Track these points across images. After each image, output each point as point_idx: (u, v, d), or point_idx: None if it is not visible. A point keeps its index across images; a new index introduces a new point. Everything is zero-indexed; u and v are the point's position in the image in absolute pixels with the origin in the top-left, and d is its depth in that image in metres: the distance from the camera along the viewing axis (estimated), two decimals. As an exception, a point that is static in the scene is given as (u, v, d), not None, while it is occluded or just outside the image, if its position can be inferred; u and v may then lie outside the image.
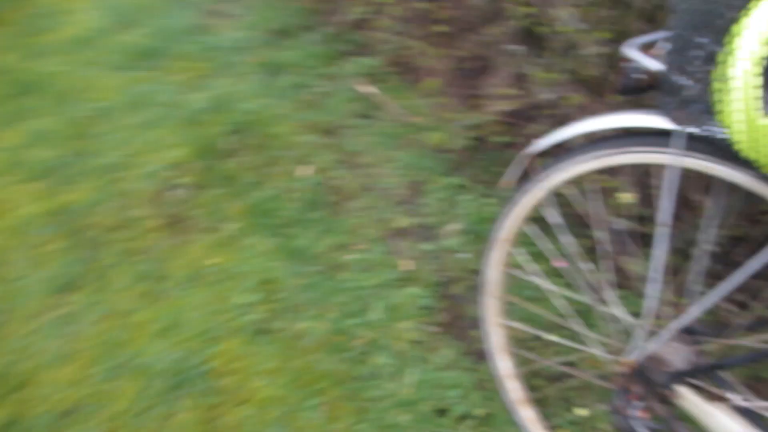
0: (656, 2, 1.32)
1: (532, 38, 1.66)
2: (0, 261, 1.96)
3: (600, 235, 1.22)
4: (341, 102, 2.53)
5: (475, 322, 1.65)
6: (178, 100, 2.63)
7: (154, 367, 1.61)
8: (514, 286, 1.43)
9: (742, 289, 1.00)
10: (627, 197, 1.28)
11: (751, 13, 0.66)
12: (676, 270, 1.03)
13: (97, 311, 1.77)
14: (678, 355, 0.98)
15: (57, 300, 1.82)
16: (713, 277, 1.00)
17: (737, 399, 0.92)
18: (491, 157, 2.07)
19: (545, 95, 1.62)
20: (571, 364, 1.43)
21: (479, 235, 1.92)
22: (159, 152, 2.36)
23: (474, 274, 1.81)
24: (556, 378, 1.49)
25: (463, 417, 1.47)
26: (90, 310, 1.78)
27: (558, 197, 1.19)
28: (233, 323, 1.73)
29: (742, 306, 1.05)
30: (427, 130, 2.26)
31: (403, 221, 2.02)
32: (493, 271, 1.35)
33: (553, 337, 1.38)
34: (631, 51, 0.92)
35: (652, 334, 1.00)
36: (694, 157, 0.87)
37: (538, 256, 1.45)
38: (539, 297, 1.52)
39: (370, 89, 2.53)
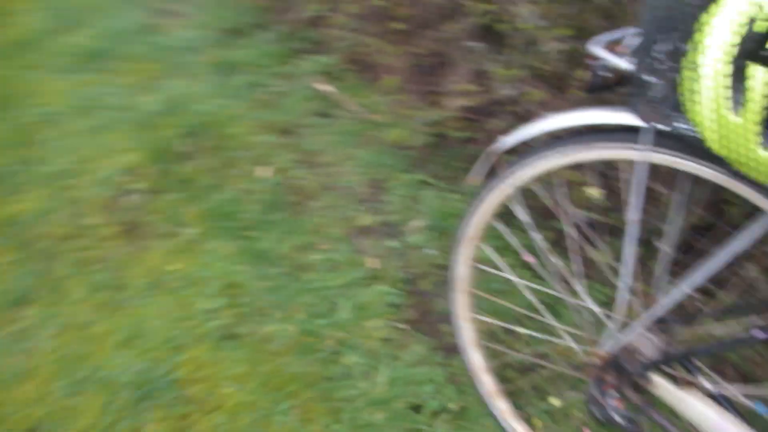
0: (614, -2, 1.35)
1: (492, 35, 1.67)
2: (-54, 276, 1.87)
3: (567, 228, 1.24)
4: (298, 101, 2.51)
5: (445, 317, 1.67)
6: (129, 102, 2.56)
7: (119, 379, 1.56)
8: (484, 280, 1.44)
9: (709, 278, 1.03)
10: (594, 192, 1.31)
11: (718, 11, 0.68)
12: (644, 261, 1.05)
13: (54, 325, 1.70)
14: (650, 345, 1.01)
15: (10, 315, 1.74)
16: (682, 267, 1.03)
17: (708, 385, 0.95)
18: (452, 153, 2.09)
19: (506, 91, 1.63)
20: (543, 355, 1.45)
21: (444, 231, 1.93)
22: (111, 157, 2.29)
23: (440, 270, 1.82)
24: (529, 369, 1.51)
25: (438, 412, 1.48)
26: (46, 324, 1.71)
27: (525, 191, 1.21)
28: (198, 330, 1.69)
29: (709, 294, 1.09)
30: (386, 128, 2.26)
31: (367, 219, 2.01)
32: (462, 267, 1.36)
33: (524, 330, 1.40)
34: (597, 49, 0.93)
35: (624, 325, 1.02)
36: (662, 152, 0.89)
37: (507, 251, 1.47)
38: (509, 290, 1.54)
39: (327, 87, 2.51)
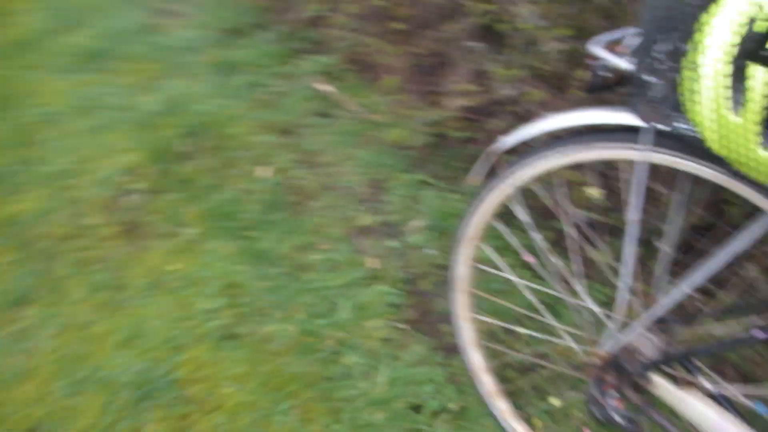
0: (614, -2, 1.34)
1: (492, 35, 1.67)
2: (-54, 276, 1.87)
3: (567, 228, 1.24)
4: (298, 101, 2.51)
5: (445, 317, 1.67)
6: (129, 102, 2.56)
7: (119, 379, 1.56)
8: (484, 280, 1.44)
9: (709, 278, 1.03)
10: (594, 192, 1.31)
11: (718, 11, 0.68)
12: (644, 261, 1.05)
13: (54, 325, 1.70)
14: (650, 345, 1.01)
15: (10, 315, 1.74)
16: (681, 267, 1.03)
17: (708, 385, 0.95)
18: (452, 153, 2.09)
19: (506, 91, 1.63)
20: (543, 355, 1.45)
21: (444, 231, 1.93)
22: (111, 157, 2.29)
23: (440, 270, 1.82)
24: (529, 369, 1.51)
25: (438, 412, 1.48)
26: (46, 324, 1.71)
27: (525, 191, 1.21)
28: (198, 330, 1.69)
29: (708, 294, 1.09)
30: (386, 128, 2.26)
31: (367, 219, 2.01)
32: (462, 267, 1.36)
33: (524, 330, 1.40)
34: (597, 49, 0.93)
35: (624, 325, 1.02)
36: (662, 152, 0.89)
37: (507, 250, 1.47)
38: (509, 290, 1.54)
39: (327, 87, 2.51)
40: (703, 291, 1.09)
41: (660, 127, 0.82)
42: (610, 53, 0.94)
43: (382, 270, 1.84)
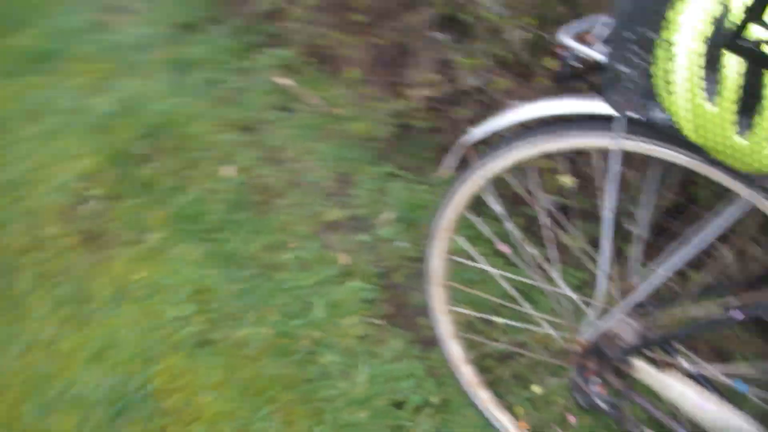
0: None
1: (455, 25, 1.66)
2: None
3: (541, 215, 1.24)
4: (258, 96, 2.46)
5: (420, 310, 1.66)
6: (81, 105, 2.46)
7: (91, 396, 1.51)
8: (460, 272, 1.44)
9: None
10: (567, 180, 1.31)
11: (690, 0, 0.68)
12: (618, 246, 1.06)
13: (19, 343, 1.64)
14: (630, 330, 1.02)
15: (-30, 335, 1.67)
16: (656, 251, 1.04)
17: (687, 365, 0.97)
18: (418, 144, 2.07)
19: (470, 81, 1.63)
20: (522, 344, 1.46)
21: (413, 222, 1.92)
22: (66, 163, 2.20)
23: (412, 262, 1.81)
24: (508, 358, 1.51)
25: (421, 406, 1.48)
26: (11, 342, 1.64)
27: (496, 180, 1.20)
28: (170, 339, 1.65)
29: (683, 276, 1.10)
30: (350, 120, 2.23)
31: (335, 214, 1.99)
32: (437, 260, 1.35)
33: (502, 320, 1.41)
34: (567, 39, 0.92)
35: (603, 311, 1.03)
36: (636, 140, 0.89)
37: (481, 240, 1.47)
38: (485, 281, 1.54)
39: (287, 81, 2.47)
40: (678, 273, 1.11)
41: (634, 116, 0.82)
42: (581, 43, 0.93)
43: (354, 265, 1.83)
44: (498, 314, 1.44)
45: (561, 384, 1.42)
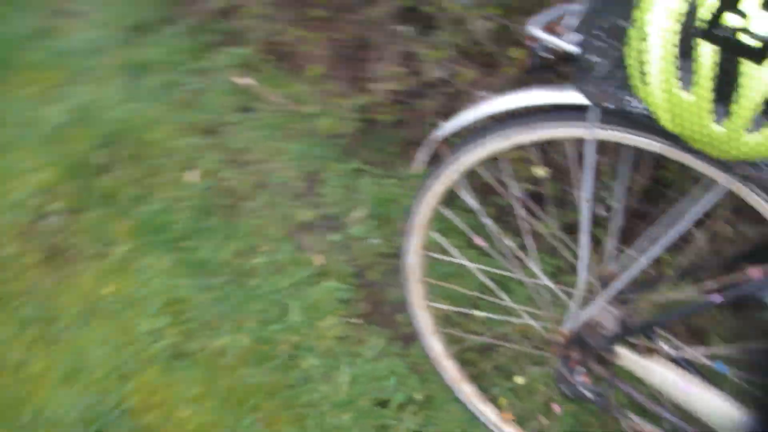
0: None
1: (418, 17, 1.64)
2: None
3: (515, 205, 1.23)
4: (218, 97, 2.40)
5: (398, 307, 1.66)
6: (33, 116, 2.37)
7: (66, 418, 1.46)
8: (437, 267, 1.43)
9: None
10: (540, 171, 1.31)
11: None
12: (595, 235, 1.06)
13: (-16, 369, 1.58)
14: (611, 318, 1.02)
15: (-68, 364, 1.60)
16: (632, 236, 1.05)
17: (669, 350, 0.98)
18: (384, 138, 2.05)
19: (436, 73, 1.61)
20: (503, 336, 1.46)
21: (385, 218, 1.91)
22: (21, 178, 2.12)
23: (386, 258, 1.80)
24: (490, 350, 1.52)
25: (404, 404, 1.47)
26: (-25, 369, 1.58)
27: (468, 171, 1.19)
28: (145, 353, 1.61)
29: (659, 260, 1.11)
30: (314, 118, 2.20)
31: (306, 214, 1.96)
32: (414, 257, 1.34)
33: (482, 313, 1.41)
34: (537, 30, 0.92)
35: (585, 301, 1.03)
36: (611, 129, 0.89)
37: (457, 234, 1.46)
38: (463, 274, 1.53)
39: (247, 81, 2.42)
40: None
41: (609, 106, 0.82)
42: (551, 34, 0.92)
43: (328, 266, 1.80)
44: (477, 307, 1.44)
45: (543, 373, 1.43)
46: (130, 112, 2.34)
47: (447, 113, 1.73)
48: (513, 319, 1.32)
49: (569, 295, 1.12)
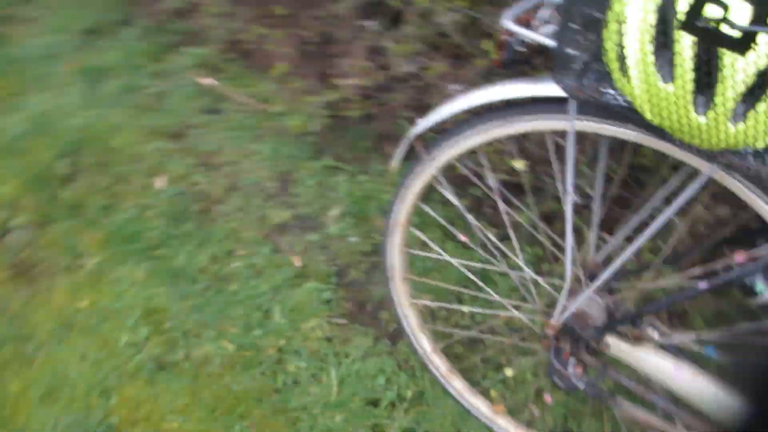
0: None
1: (383, 11, 1.63)
2: None
3: (494, 196, 1.23)
4: (182, 100, 2.35)
5: (381, 304, 1.66)
6: (-12, 128, 2.29)
7: (49, 439, 1.43)
8: (420, 264, 1.44)
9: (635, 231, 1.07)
10: (519, 164, 1.32)
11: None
12: (578, 226, 1.08)
13: (-41, 394, 1.53)
14: (600, 308, 1.04)
15: None
16: (612, 224, 1.06)
17: (659, 337, 1.00)
18: (356, 134, 2.04)
19: (405, 67, 1.60)
20: (490, 329, 1.47)
21: (361, 215, 1.90)
22: (-19, 193, 2.05)
23: (366, 256, 1.79)
24: (477, 344, 1.53)
25: (396, 402, 1.47)
26: (-51, 395, 1.53)
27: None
28: (126, 366, 1.58)
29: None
30: (283, 116, 2.17)
31: (281, 215, 1.94)
32: (397, 255, 1.34)
33: (467, 308, 1.41)
34: (511, 24, 0.91)
35: (572, 292, 1.04)
36: (592, 121, 0.90)
37: (436, 228, 1.47)
38: (444, 269, 1.54)
39: (210, 81, 2.37)
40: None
41: (589, 99, 0.82)
42: (526, 28, 0.92)
43: (308, 266, 1.79)
44: (462, 302, 1.44)
45: (532, 364, 1.45)
46: (92, 118, 2.28)
47: (417, 107, 1.74)
48: (499, 312, 1.33)
49: (554, 286, 1.13)
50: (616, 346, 1.03)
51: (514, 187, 1.41)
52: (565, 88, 0.85)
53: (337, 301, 1.70)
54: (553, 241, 1.25)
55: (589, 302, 1.04)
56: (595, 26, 0.77)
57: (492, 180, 1.23)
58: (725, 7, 0.63)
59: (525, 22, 0.96)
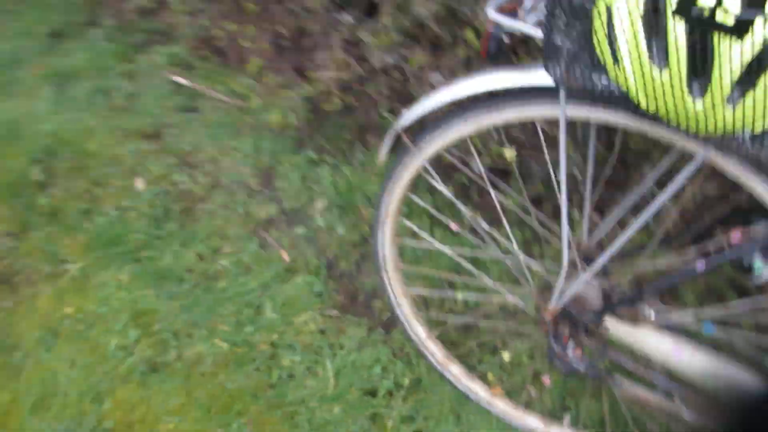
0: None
1: (358, 2, 1.62)
2: None
3: (482, 182, 1.25)
4: (156, 99, 2.31)
5: (373, 294, 1.67)
6: (-43, 136, 2.23)
7: (44, 448, 1.41)
8: (409, 252, 1.45)
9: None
10: (508, 153, 1.33)
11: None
12: (571, 212, 1.10)
13: (-53, 408, 1.50)
14: (597, 291, 1.06)
15: None
16: (606, 205, 1.08)
17: (657, 316, 1.02)
18: (337, 126, 2.04)
19: (383, 58, 1.61)
20: (485, 314, 1.48)
21: (347, 206, 1.90)
22: (-47, 203, 2.00)
23: (355, 246, 1.80)
24: (472, 329, 1.54)
25: (393, 391, 1.48)
26: (-64, 410, 1.49)
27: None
28: (118, 370, 1.56)
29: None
30: (261, 111, 2.16)
31: (266, 210, 1.93)
32: (389, 246, 1.35)
33: (461, 295, 1.43)
34: (495, 14, 0.92)
35: (569, 276, 1.05)
36: (583, 108, 0.91)
37: (425, 216, 1.48)
38: (438, 256, 1.55)
39: (184, 79, 2.34)
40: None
41: (581, 87, 0.83)
42: (511, 17, 0.93)
43: (296, 260, 1.79)
44: (456, 288, 1.46)
45: (528, 346, 1.47)
46: (64, 123, 2.23)
47: (398, 97, 1.74)
48: (492, 297, 1.35)
49: (547, 269, 1.15)
50: (615, 327, 1.05)
51: (500, 172, 1.43)
52: (555, 78, 0.85)
53: (329, 293, 1.70)
54: (542, 224, 1.26)
55: (587, 286, 1.05)
56: (581, 14, 0.77)
57: (480, 166, 1.24)
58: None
59: (509, 11, 0.96)
